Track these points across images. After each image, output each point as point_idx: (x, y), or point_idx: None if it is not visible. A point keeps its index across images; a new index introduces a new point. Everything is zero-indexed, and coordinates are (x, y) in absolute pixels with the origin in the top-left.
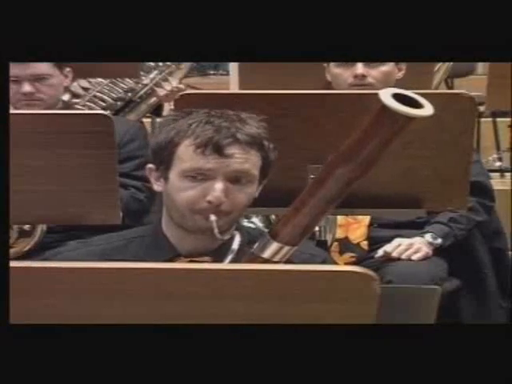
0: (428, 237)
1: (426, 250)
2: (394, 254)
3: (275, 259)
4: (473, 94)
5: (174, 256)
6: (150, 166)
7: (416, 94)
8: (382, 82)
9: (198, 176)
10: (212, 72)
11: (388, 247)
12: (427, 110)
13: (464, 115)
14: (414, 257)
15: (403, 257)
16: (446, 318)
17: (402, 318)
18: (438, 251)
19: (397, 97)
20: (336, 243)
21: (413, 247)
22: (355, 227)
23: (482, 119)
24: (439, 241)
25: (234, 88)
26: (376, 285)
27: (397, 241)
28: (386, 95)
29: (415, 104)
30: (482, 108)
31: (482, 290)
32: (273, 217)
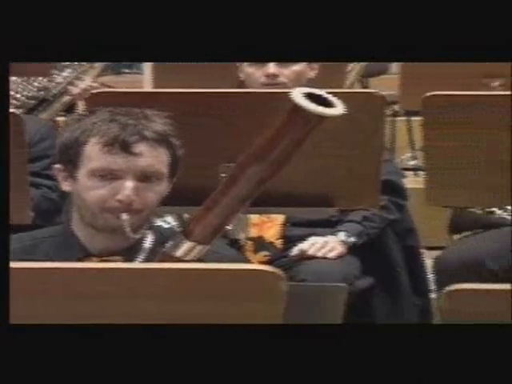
0: (341, 235)
1: (340, 248)
2: (310, 252)
3: (188, 258)
4: (387, 93)
5: (85, 256)
6: (57, 166)
7: (328, 93)
8: (294, 82)
9: (108, 175)
10: (127, 71)
11: (303, 245)
12: (338, 109)
13: (375, 114)
14: (329, 255)
15: (319, 255)
16: (359, 316)
17: (310, 316)
18: (351, 250)
19: (309, 96)
20: (250, 242)
21: (328, 245)
22: (269, 226)
23: (397, 118)
24: (352, 239)
25: (147, 87)
26: (283, 283)
27: (312, 239)
28: (297, 94)
29: (327, 103)
30: (396, 107)
31: (396, 288)
32: (186, 216)
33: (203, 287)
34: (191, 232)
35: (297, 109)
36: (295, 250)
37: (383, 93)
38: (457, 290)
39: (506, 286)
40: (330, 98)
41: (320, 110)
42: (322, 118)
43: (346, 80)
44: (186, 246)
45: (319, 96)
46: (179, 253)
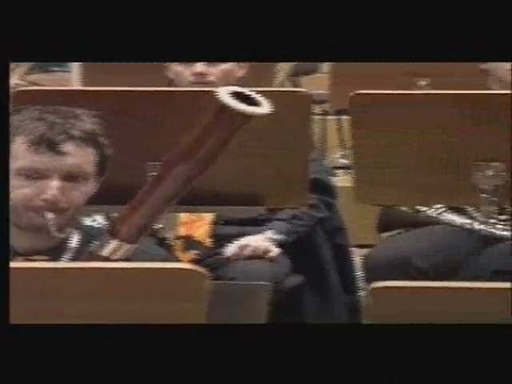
0: (270, 234)
1: (272, 253)
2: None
3: (114, 257)
4: (318, 92)
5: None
6: None
7: (254, 92)
8: (223, 80)
9: (33, 174)
10: (56, 69)
11: (233, 249)
12: (265, 108)
13: (302, 113)
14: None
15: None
16: (289, 315)
17: (235, 315)
18: (281, 248)
19: (235, 95)
20: (180, 241)
21: (259, 250)
22: (198, 225)
23: (328, 117)
24: (281, 237)
25: (75, 86)
26: (207, 282)
27: (242, 241)
28: (223, 93)
29: (253, 102)
30: (327, 106)
31: (325, 287)
32: (116, 215)
33: (129, 286)
34: (117, 231)
35: (223, 108)
36: (228, 253)
37: (315, 92)
38: (380, 288)
39: (431, 284)
40: (257, 96)
41: (246, 108)
42: (247, 116)
43: (276, 79)
44: (113, 245)
45: (245, 95)
46: (105, 252)
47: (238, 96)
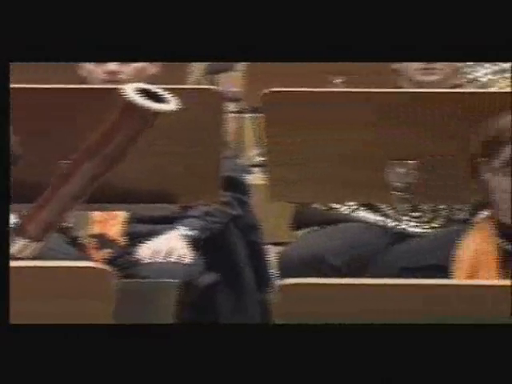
0: (183, 230)
1: (186, 256)
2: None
3: (22, 256)
4: (233, 90)
5: None
6: None
7: (164, 89)
8: (136, 78)
9: None
10: None
11: (146, 252)
12: (171, 105)
13: (213, 111)
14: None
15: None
16: (203, 313)
17: (143, 313)
18: (194, 245)
19: (142, 92)
20: (93, 239)
21: (173, 254)
22: (112, 223)
23: (245, 115)
24: (194, 234)
25: None
26: (114, 281)
27: (156, 243)
28: (130, 90)
29: (160, 99)
30: (243, 104)
31: (240, 285)
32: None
33: (37, 285)
34: (24, 230)
35: (129, 104)
36: (143, 254)
37: (229, 90)
38: (289, 285)
39: (342, 281)
40: (164, 93)
41: (151, 105)
42: (154, 113)
43: (190, 77)
44: (20, 243)
45: (152, 92)
46: (13, 250)
47: (145, 93)
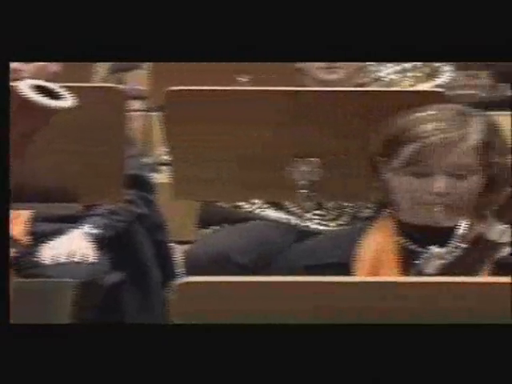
0: (87, 229)
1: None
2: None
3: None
4: (137, 88)
5: None
6: None
7: (64, 86)
8: (36, 76)
9: None
10: None
11: (50, 253)
12: (67, 101)
13: (115, 109)
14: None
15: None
16: (109, 312)
17: (40, 313)
18: (98, 244)
19: (37, 88)
20: None
21: (77, 252)
22: (15, 223)
23: (152, 113)
24: (98, 232)
25: None
26: (11, 281)
27: (57, 244)
28: (24, 86)
29: (56, 96)
30: (150, 102)
31: (146, 283)
32: None
33: None
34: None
35: (23, 101)
36: (41, 257)
37: (134, 88)
38: (186, 283)
39: (242, 279)
40: (60, 91)
41: (47, 102)
42: (49, 110)
43: (96, 74)
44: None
45: (49, 89)
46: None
47: (41, 90)
